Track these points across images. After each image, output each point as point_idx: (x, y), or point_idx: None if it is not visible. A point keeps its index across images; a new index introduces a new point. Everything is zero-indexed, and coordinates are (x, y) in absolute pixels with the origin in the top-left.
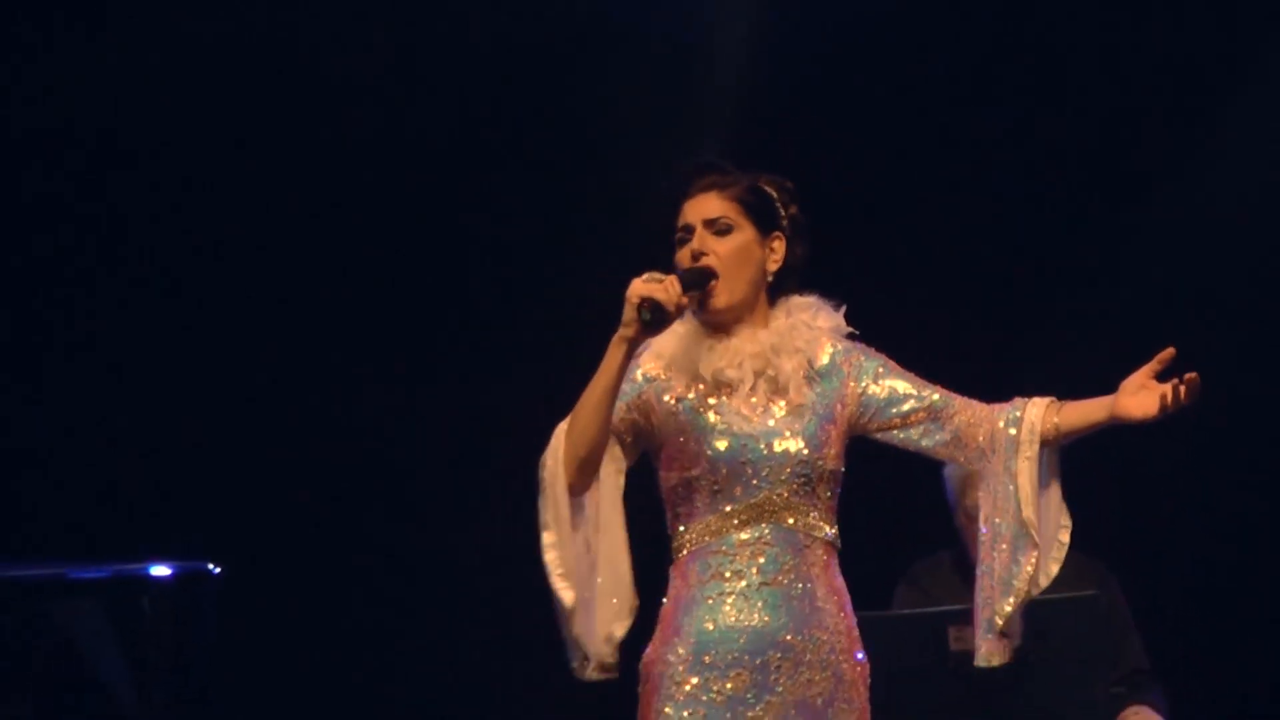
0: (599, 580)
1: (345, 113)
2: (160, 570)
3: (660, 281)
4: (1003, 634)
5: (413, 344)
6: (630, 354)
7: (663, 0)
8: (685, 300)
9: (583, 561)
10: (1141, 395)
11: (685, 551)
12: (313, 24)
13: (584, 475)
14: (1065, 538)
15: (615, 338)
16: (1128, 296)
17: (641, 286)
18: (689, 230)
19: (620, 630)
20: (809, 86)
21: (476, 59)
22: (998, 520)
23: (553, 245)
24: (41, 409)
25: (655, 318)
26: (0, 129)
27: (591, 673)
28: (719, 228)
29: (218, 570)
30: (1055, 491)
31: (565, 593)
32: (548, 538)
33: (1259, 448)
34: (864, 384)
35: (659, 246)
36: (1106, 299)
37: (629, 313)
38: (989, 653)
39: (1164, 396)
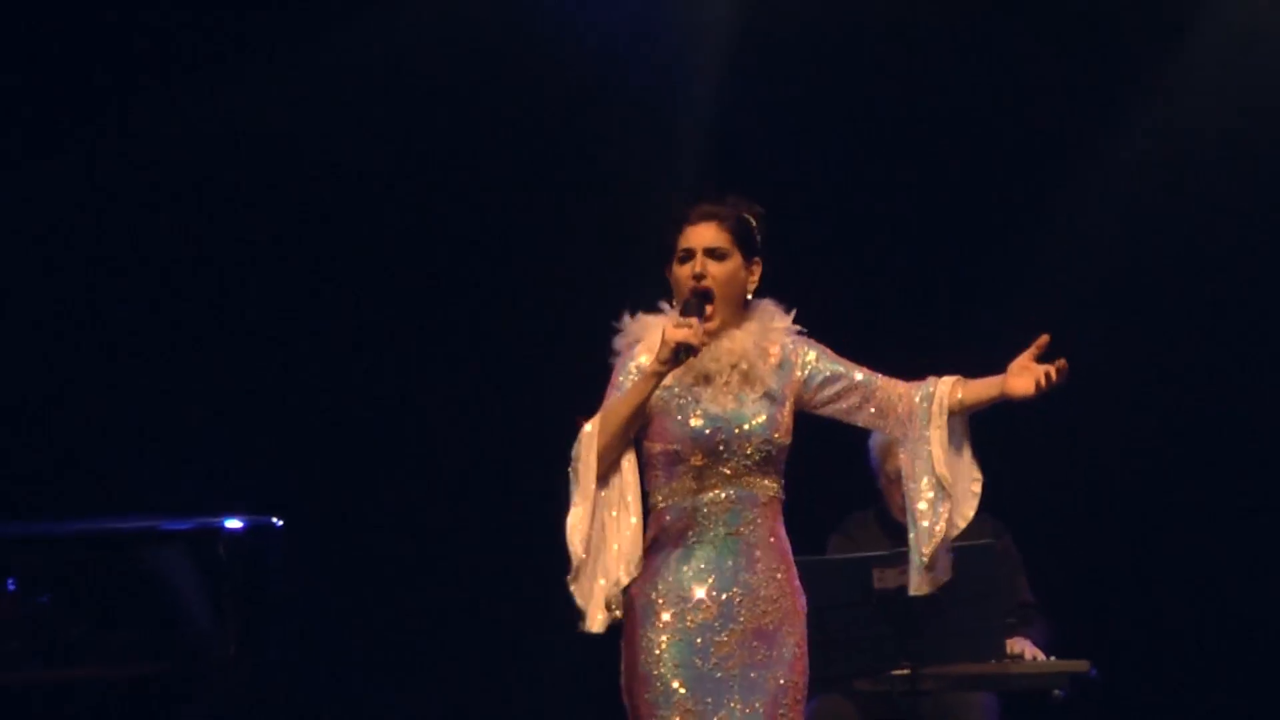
0: (616, 546)
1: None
2: (233, 523)
3: (689, 326)
4: (930, 570)
5: (451, 336)
6: (659, 382)
7: (643, 55)
8: (706, 340)
9: (598, 534)
10: (1023, 376)
11: (664, 505)
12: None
13: (605, 465)
14: (977, 489)
15: (650, 369)
16: (1017, 295)
17: (675, 333)
18: (690, 253)
19: (626, 578)
20: (767, 112)
21: (489, 101)
22: (917, 477)
23: (561, 258)
24: (142, 394)
25: (686, 355)
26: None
27: (594, 626)
28: (716, 254)
29: (280, 523)
30: (966, 452)
31: (579, 554)
32: (575, 513)
33: (1122, 423)
34: (807, 370)
35: (635, 258)
36: (1001, 296)
37: (665, 353)
38: (919, 585)
39: (1040, 378)
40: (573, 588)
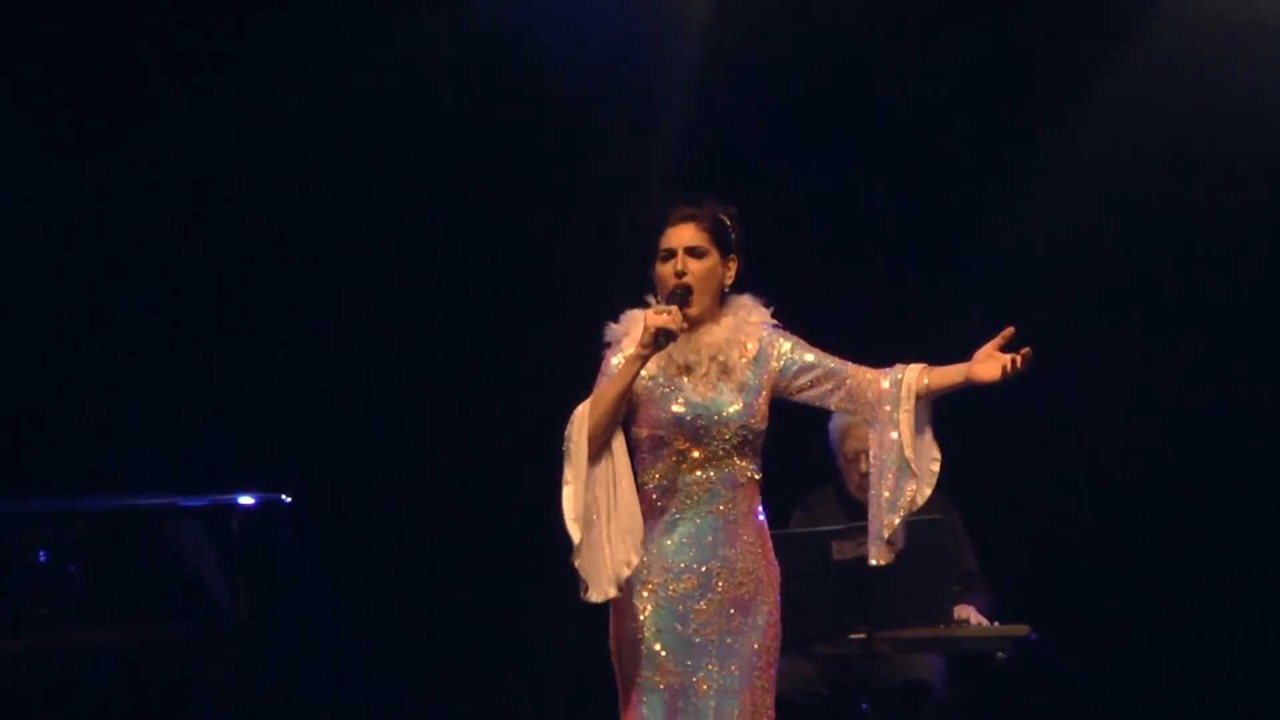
0: (614, 523)
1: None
2: (246, 500)
3: (669, 313)
4: (889, 542)
5: (454, 328)
6: (643, 365)
7: (625, 64)
8: (685, 325)
9: (591, 509)
10: (989, 363)
11: (650, 485)
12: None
13: (596, 445)
14: (936, 468)
15: (633, 354)
16: (982, 287)
17: (655, 319)
18: (671, 253)
19: (635, 560)
20: (741, 115)
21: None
22: (884, 457)
23: (551, 256)
24: (165, 381)
25: (666, 340)
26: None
27: (594, 597)
28: (696, 253)
29: (289, 500)
30: (927, 434)
31: (575, 532)
32: (566, 491)
33: (1058, 405)
34: (783, 361)
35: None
36: (966, 289)
37: (646, 338)
38: (879, 555)
39: (1005, 365)
40: (577, 563)
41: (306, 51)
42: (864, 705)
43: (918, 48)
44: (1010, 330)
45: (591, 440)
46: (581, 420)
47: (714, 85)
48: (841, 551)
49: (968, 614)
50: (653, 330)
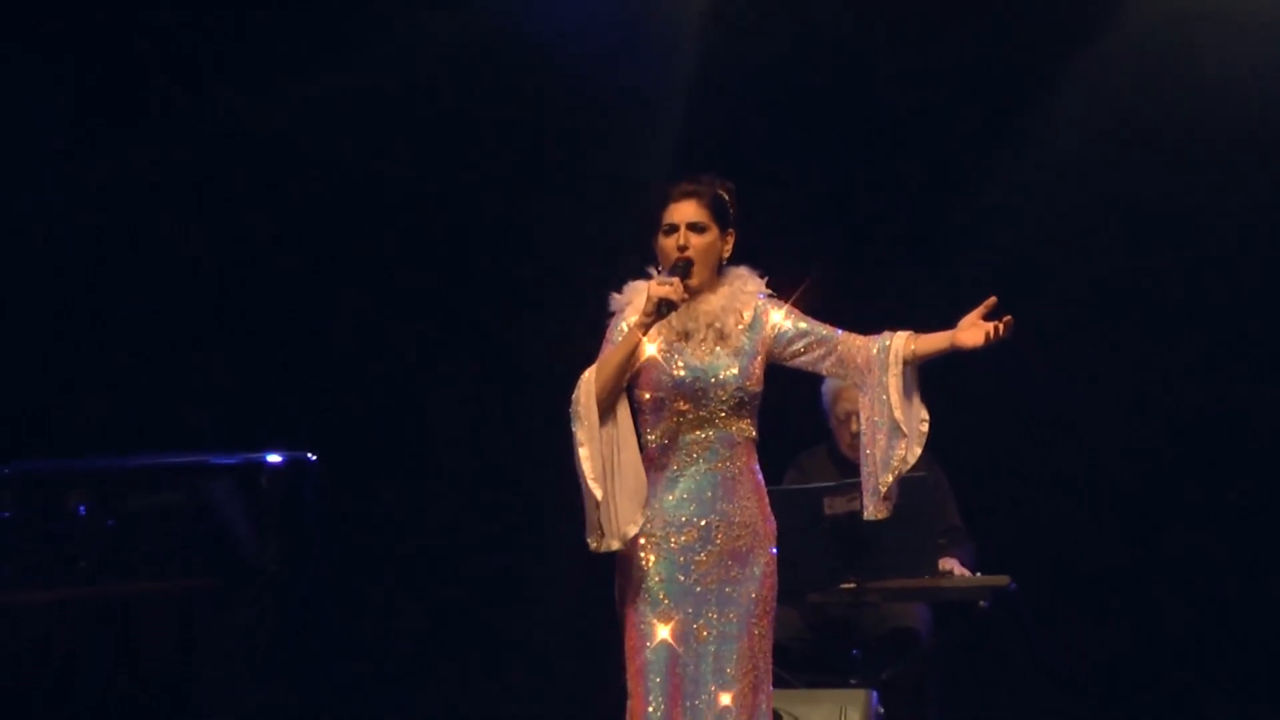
0: (620, 483)
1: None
2: (274, 458)
3: (671, 284)
4: (885, 498)
5: (470, 298)
6: (646, 333)
7: (627, 55)
8: (686, 295)
9: (605, 467)
10: (973, 330)
11: (653, 444)
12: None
13: (604, 408)
14: (925, 428)
15: (637, 322)
16: (967, 259)
17: (658, 289)
18: (674, 228)
19: (640, 519)
20: (738, 100)
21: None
22: (876, 419)
23: (560, 230)
24: (203, 347)
25: (668, 309)
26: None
27: (604, 548)
28: (697, 228)
29: (314, 459)
30: (916, 397)
31: (597, 490)
32: (582, 452)
33: (1047, 376)
34: (777, 329)
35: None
36: (951, 260)
37: (649, 307)
38: (874, 511)
39: (988, 332)
40: (601, 519)
41: (312, 44)
42: (854, 651)
43: (906, 39)
44: (993, 300)
45: (601, 403)
46: (589, 384)
47: (710, 76)
48: (833, 507)
49: (951, 565)
50: (656, 300)
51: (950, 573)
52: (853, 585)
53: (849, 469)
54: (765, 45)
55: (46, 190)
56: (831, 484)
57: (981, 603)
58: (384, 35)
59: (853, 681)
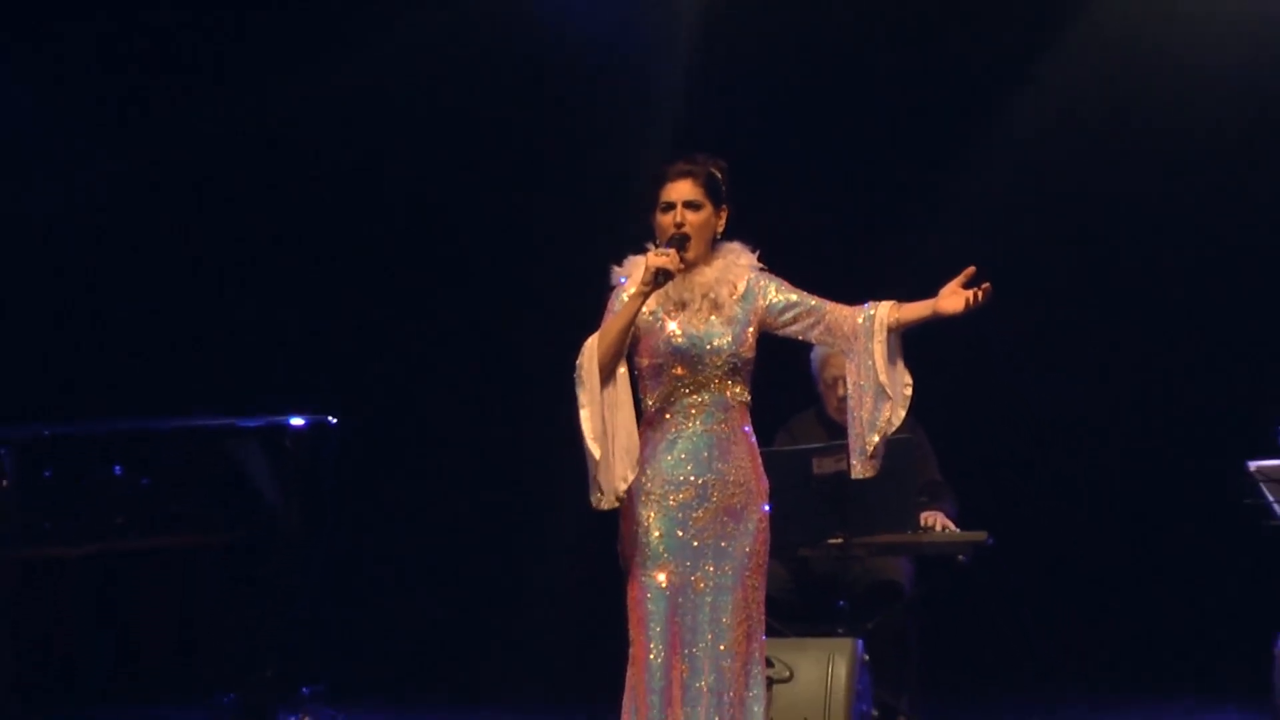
0: (615, 442)
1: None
2: (297, 421)
3: (667, 255)
4: (871, 457)
5: (485, 277)
6: (644, 302)
7: (627, 42)
8: (682, 266)
9: (605, 427)
10: (953, 298)
11: (652, 407)
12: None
13: (605, 373)
14: (908, 392)
15: (636, 292)
16: (946, 231)
17: (655, 260)
18: (671, 205)
19: (631, 476)
20: (730, 83)
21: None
22: (862, 383)
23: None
24: (231, 318)
25: (665, 279)
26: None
27: (604, 505)
28: (692, 205)
29: (335, 422)
30: (899, 362)
31: (596, 449)
32: (584, 413)
33: (1011, 336)
34: (768, 299)
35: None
36: (932, 232)
37: (647, 276)
38: (862, 470)
39: (968, 299)
40: (600, 478)
41: (317, 35)
42: (841, 603)
43: (895, 31)
44: (971, 269)
45: (603, 367)
46: (591, 351)
47: (706, 69)
48: (821, 467)
49: (933, 521)
50: (653, 270)
51: (931, 528)
52: (840, 541)
53: (836, 431)
54: (758, 40)
55: (99, 160)
56: (820, 445)
57: (961, 557)
58: (384, 33)
59: (839, 631)
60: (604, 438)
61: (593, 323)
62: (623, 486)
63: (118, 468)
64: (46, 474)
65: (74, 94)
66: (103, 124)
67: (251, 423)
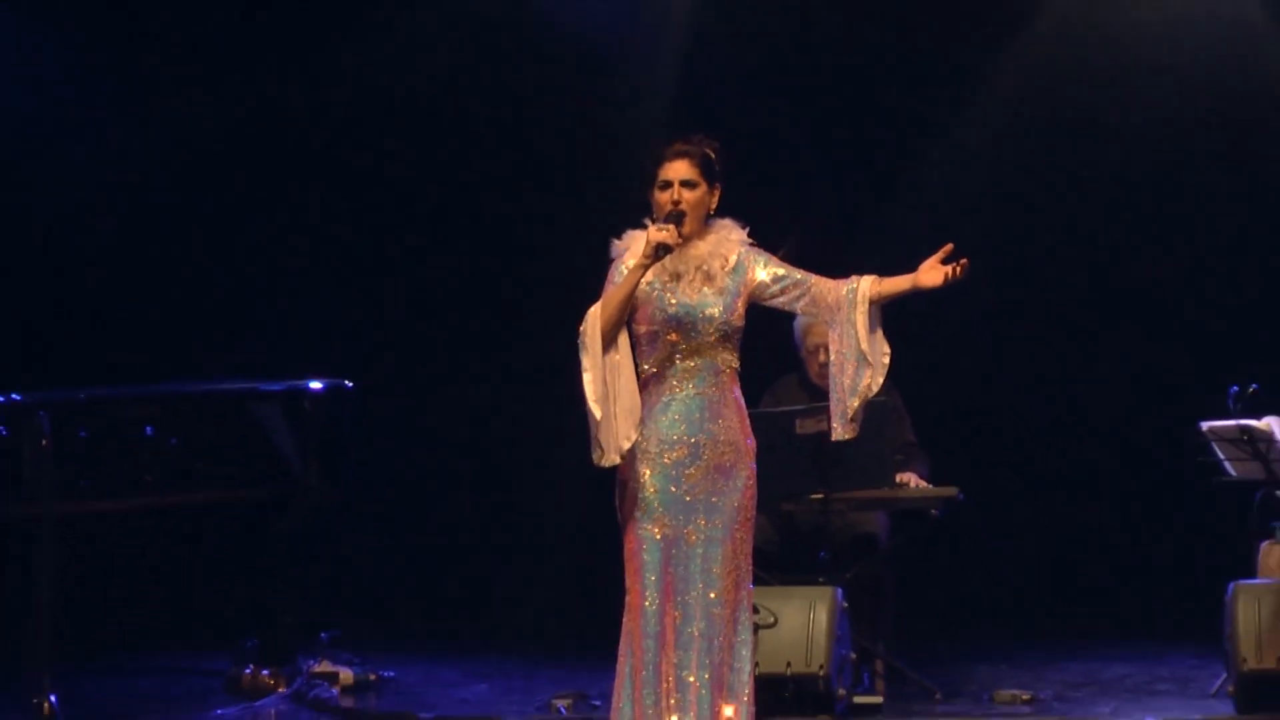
0: (618, 403)
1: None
2: (315, 385)
3: (667, 230)
4: (851, 420)
5: (503, 256)
6: (644, 273)
7: (625, 29)
8: (680, 240)
9: (606, 391)
10: (933, 272)
11: (649, 372)
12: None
13: (607, 339)
14: (887, 360)
15: (636, 264)
16: (926, 210)
17: (656, 235)
18: (668, 184)
19: (634, 435)
20: (722, 70)
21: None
22: (845, 351)
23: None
24: (257, 288)
25: (664, 253)
26: None
27: (605, 462)
28: (688, 184)
29: (351, 386)
30: (879, 333)
31: (597, 410)
32: (587, 377)
33: (980, 306)
34: (757, 272)
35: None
36: (911, 211)
37: (648, 249)
38: (843, 432)
39: (946, 274)
40: (600, 437)
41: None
42: (821, 554)
43: (873, 18)
44: (949, 246)
45: (605, 333)
46: (594, 319)
47: (699, 42)
48: (803, 427)
49: (907, 478)
50: (654, 244)
51: (906, 484)
52: (821, 496)
53: (816, 394)
54: (749, 28)
55: (132, 143)
56: (802, 407)
57: (933, 511)
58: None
59: (820, 580)
60: (605, 399)
61: (590, 290)
62: (626, 445)
63: (149, 429)
64: (83, 434)
65: (102, 80)
66: (133, 108)
67: (273, 386)
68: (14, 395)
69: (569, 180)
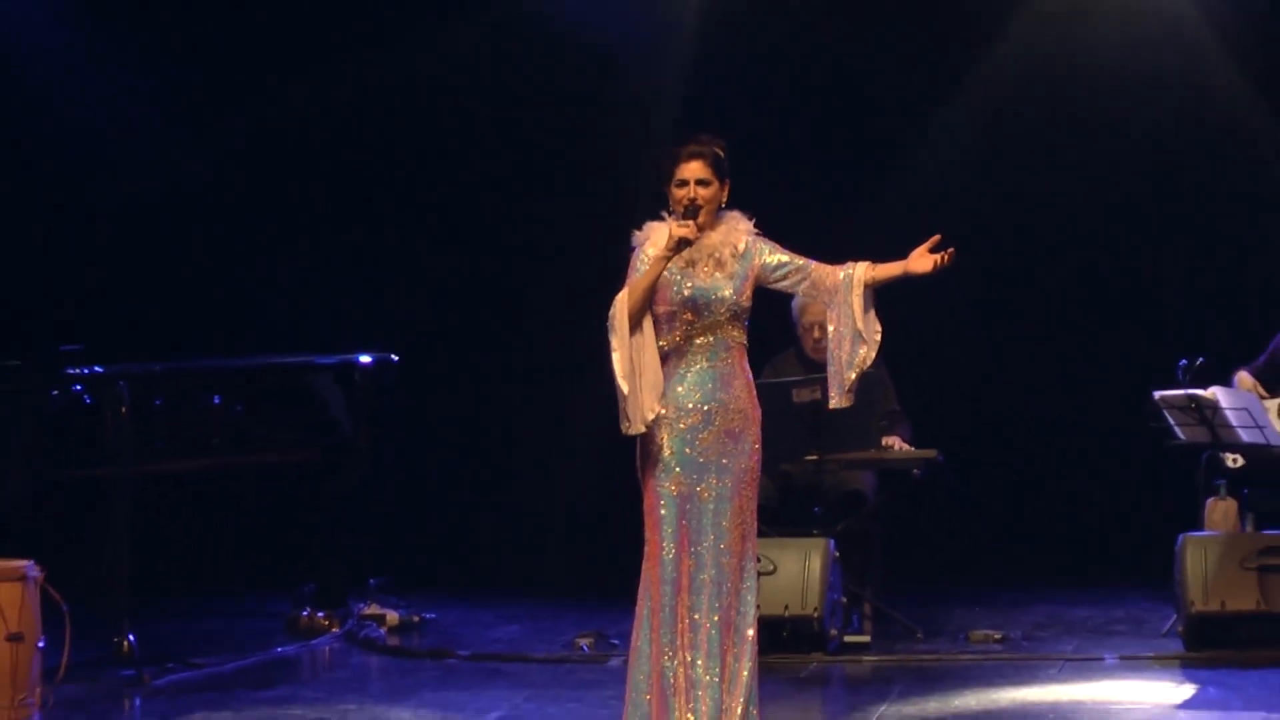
0: (643, 378)
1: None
2: (364, 359)
3: (688, 226)
4: (848, 391)
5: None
6: (666, 264)
7: (637, 36)
8: (699, 235)
9: (632, 368)
10: (922, 260)
11: (667, 347)
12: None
13: (634, 321)
14: (879, 337)
15: (658, 255)
16: (914, 201)
17: (678, 230)
18: (684, 182)
19: (658, 408)
20: (727, 75)
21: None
22: (842, 329)
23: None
24: (315, 272)
25: (685, 246)
26: None
27: (632, 431)
28: (703, 182)
29: (396, 359)
30: (872, 313)
31: (625, 385)
32: (616, 355)
33: (960, 289)
34: (763, 258)
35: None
36: (900, 202)
37: (671, 243)
38: (839, 401)
39: (935, 261)
40: (628, 409)
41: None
42: (816, 509)
43: (858, 25)
44: (938, 236)
45: (631, 316)
46: (622, 303)
47: (706, 49)
48: (800, 396)
49: (892, 441)
50: (677, 238)
51: (892, 447)
52: (815, 457)
53: (812, 367)
54: (752, 34)
55: (200, 139)
56: (799, 379)
57: (915, 470)
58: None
59: (815, 532)
60: (632, 375)
61: (607, 272)
62: (651, 416)
63: (216, 397)
64: (158, 402)
65: (164, 82)
66: (203, 111)
67: (327, 360)
68: (97, 367)
69: (587, 171)
